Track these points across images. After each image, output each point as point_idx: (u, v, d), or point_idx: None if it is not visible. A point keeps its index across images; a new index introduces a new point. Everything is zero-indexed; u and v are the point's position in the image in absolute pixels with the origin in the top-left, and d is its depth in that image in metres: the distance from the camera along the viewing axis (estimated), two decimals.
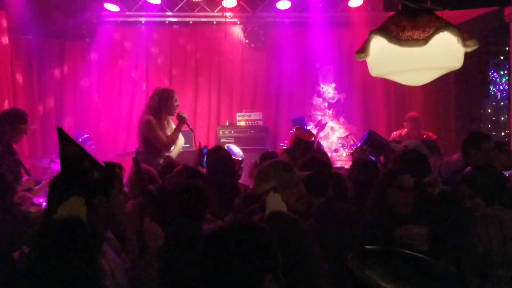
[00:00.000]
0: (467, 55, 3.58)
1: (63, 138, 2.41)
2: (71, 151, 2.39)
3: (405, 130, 7.59)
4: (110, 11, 8.64)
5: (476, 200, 3.44)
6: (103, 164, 2.48)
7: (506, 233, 3.43)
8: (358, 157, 5.61)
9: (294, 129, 5.59)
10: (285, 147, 5.67)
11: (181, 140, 6.23)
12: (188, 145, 8.43)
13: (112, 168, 2.49)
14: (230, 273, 1.70)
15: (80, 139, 7.24)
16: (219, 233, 1.84)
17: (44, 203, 5.18)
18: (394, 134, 7.66)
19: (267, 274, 1.72)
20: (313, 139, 5.57)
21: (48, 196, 2.52)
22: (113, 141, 8.87)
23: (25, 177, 5.46)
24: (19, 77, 8.09)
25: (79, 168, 2.37)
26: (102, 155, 7.99)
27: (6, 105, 7.21)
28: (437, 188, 3.61)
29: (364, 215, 3.50)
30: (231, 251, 1.73)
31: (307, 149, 5.28)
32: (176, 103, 5.99)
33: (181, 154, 7.91)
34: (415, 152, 4.42)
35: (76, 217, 2.09)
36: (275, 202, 2.62)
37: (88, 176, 2.37)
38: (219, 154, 4.49)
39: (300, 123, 7.51)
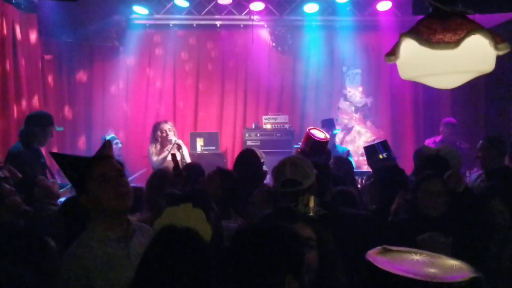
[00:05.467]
0: (497, 59, 3.53)
1: (55, 157, 2.61)
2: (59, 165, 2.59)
3: (440, 136, 7.49)
4: (139, 14, 8.74)
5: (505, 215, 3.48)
6: (78, 164, 2.56)
7: None
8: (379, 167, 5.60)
9: (307, 129, 5.55)
10: (299, 149, 5.64)
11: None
12: (213, 147, 8.49)
13: (80, 166, 2.52)
14: (253, 269, 1.74)
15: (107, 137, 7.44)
16: (246, 230, 1.89)
17: None
18: (428, 141, 7.57)
19: (289, 274, 1.75)
20: (325, 138, 5.51)
21: None
22: (139, 143, 8.93)
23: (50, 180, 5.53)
24: (49, 79, 8.25)
25: (68, 177, 2.57)
26: (130, 156, 8.18)
27: (37, 106, 7.34)
28: (461, 185, 3.57)
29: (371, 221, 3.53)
30: (255, 248, 1.77)
31: (320, 149, 5.25)
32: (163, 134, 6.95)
33: (206, 156, 7.99)
34: (437, 157, 4.41)
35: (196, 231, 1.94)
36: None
37: (71, 180, 2.57)
38: (244, 156, 4.60)
39: (329, 124, 7.50)
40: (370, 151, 5.70)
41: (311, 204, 2.48)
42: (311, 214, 2.46)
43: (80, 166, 2.50)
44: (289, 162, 3.18)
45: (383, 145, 5.68)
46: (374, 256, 1.80)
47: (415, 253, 1.91)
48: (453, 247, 3.11)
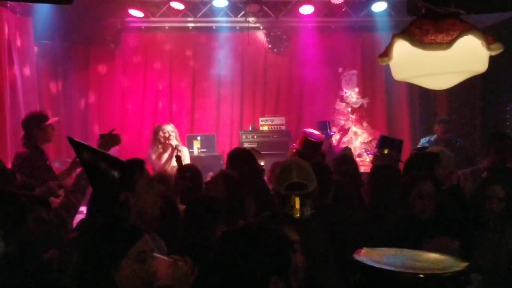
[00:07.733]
0: (493, 58, 3.53)
1: (76, 146, 2.54)
2: (85, 157, 2.53)
3: (435, 135, 7.49)
4: (134, 16, 8.74)
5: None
6: (123, 162, 2.58)
7: None
8: (376, 162, 5.59)
9: (302, 131, 5.57)
10: (295, 149, 5.64)
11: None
12: (210, 150, 8.48)
13: (133, 164, 2.57)
14: (236, 270, 1.79)
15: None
16: (232, 232, 1.94)
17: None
18: (423, 140, 7.57)
19: (273, 275, 1.77)
20: (320, 139, 5.54)
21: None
22: (136, 146, 8.92)
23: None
24: (45, 82, 8.22)
25: (97, 171, 2.50)
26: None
27: (32, 110, 7.32)
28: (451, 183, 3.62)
29: (366, 219, 3.54)
30: (238, 250, 1.82)
31: (315, 150, 5.27)
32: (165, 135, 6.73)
33: (202, 158, 7.98)
34: (426, 152, 4.43)
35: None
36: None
37: (107, 176, 2.49)
38: (241, 156, 4.58)
39: (323, 127, 7.49)
40: (386, 143, 5.65)
41: (297, 205, 2.48)
42: (298, 215, 2.46)
43: (130, 166, 2.55)
44: (295, 165, 3.12)
45: (398, 144, 5.64)
46: (361, 255, 1.82)
47: (397, 251, 1.94)
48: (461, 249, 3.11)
